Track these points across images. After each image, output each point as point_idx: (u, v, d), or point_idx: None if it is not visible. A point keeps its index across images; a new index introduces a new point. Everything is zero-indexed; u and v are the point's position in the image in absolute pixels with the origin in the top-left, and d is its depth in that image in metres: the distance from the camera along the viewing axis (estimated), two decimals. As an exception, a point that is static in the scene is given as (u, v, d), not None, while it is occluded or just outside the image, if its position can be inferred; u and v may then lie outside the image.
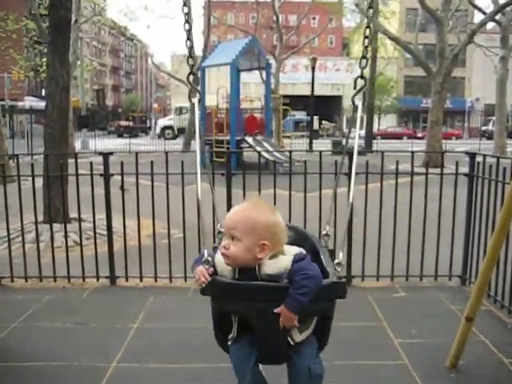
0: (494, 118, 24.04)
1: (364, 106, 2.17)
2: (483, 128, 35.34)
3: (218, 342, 2.10)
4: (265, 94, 19.16)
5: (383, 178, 4.79)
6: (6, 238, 4.92)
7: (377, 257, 4.73)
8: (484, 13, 19.48)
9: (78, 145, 24.67)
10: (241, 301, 1.82)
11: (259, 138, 17.20)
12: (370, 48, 2.25)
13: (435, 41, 17.67)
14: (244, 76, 20.80)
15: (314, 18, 59.01)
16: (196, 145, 2.27)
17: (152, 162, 4.71)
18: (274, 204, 4.24)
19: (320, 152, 4.92)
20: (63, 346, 3.58)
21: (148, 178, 4.80)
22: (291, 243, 1.94)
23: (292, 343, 1.92)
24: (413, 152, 4.94)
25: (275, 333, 1.83)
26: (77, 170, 4.86)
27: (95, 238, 4.92)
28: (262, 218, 1.81)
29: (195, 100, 2.23)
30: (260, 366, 2.06)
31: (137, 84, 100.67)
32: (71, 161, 5.28)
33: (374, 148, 25.43)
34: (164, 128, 41.47)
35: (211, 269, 1.84)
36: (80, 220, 5.02)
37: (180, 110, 40.89)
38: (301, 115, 44.71)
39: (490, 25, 25.32)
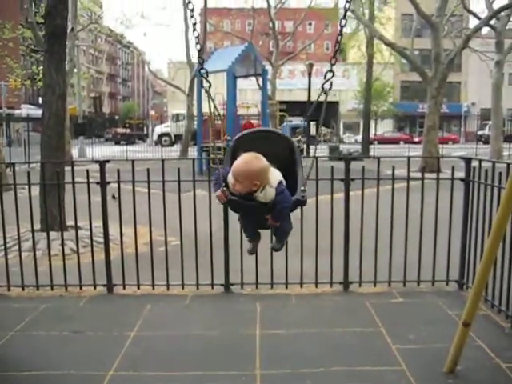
0: (490, 122, 24.09)
1: (329, 91, 2.70)
2: (479, 132, 35.39)
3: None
4: (261, 100, 19.19)
5: (380, 184, 4.80)
6: (3, 247, 4.90)
7: (374, 262, 4.73)
8: (479, 18, 19.60)
9: (75, 152, 24.67)
10: (245, 210, 2.69)
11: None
12: (339, 51, 2.73)
13: (431, 46, 17.75)
14: (241, 82, 20.82)
15: (310, 24, 59.20)
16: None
17: (148, 170, 4.71)
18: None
19: (316, 158, 4.91)
20: (60, 354, 3.57)
21: (145, 185, 4.81)
22: (271, 144, 2.70)
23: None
24: (409, 157, 4.95)
25: (263, 221, 2.64)
26: (73, 178, 4.85)
27: (92, 245, 4.91)
28: (253, 169, 2.47)
29: (206, 85, 2.80)
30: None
31: (134, 91, 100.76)
32: (68, 168, 5.28)
33: (371, 153, 25.45)
34: (161, 135, 41.47)
35: (227, 192, 2.54)
36: (77, 228, 5.01)
37: (177, 117, 40.91)
38: (297, 121, 44.79)
39: (485, 30, 25.45)
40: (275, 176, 2.56)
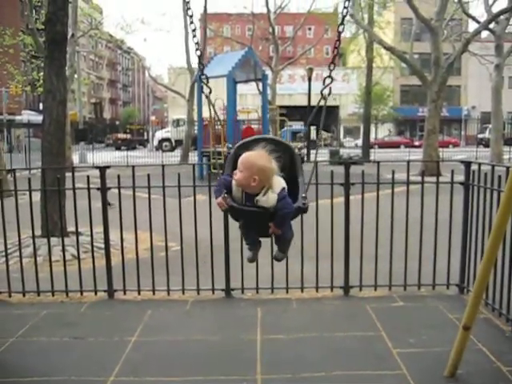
0: (490, 125, 24.11)
1: (328, 97, 2.77)
2: (480, 136, 35.41)
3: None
4: (262, 105, 19.22)
5: (380, 188, 4.81)
6: (4, 253, 4.91)
7: (374, 266, 4.74)
8: (478, 22, 19.62)
9: (75, 158, 24.70)
10: (246, 217, 2.68)
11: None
12: (337, 56, 2.84)
13: (430, 50, 17.79)
14: (241, 87, 20.87)
15: (309, 29, 59.38)
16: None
17: (149, 175, 4.72)
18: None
19: (316, 162, 4.92)
20: (61, 360, 3.57)
21: (145, 190, 4.82)
22: (275, 152, 2.64)
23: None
24: (408, 161, 4.96)
25: (265, 228, 2.64)
26: (74, 184, 4.87)
27: (93, 251, 4.92)
28: (258, 163, 2.51)
29: (207, 91, 2.86)
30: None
31: (134, 97, 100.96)
32: (68, 174, 5.29)
33: (372, 157, 25.46)
34: (162, 140, 41.54)
35: (228, 199, 2.57)
36: (78, 234, 5.02)
37: (177, 122, 40.97)
38: (298, 125, 44.84)
39: (485, 33, 25.52)
40: (279, 182, 2.59)
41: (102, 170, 4.85)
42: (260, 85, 20.71)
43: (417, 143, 41.80)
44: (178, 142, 35.90)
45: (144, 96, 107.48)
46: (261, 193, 2.54)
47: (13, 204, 4.75)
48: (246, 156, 2.59)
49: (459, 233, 4.76)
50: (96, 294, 4.88)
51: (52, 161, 6.70)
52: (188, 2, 2.85)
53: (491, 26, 19.36)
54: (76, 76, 26.14)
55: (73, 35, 20.48)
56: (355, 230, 4.74)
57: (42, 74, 11.59)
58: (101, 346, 3.81)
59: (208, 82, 2.85)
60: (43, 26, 7.45)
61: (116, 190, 4.83)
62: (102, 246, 5.07)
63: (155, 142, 41.77)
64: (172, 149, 38.61)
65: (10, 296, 4.87)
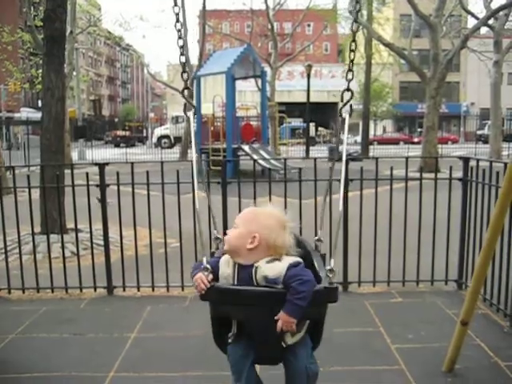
0: (489, 122, 24.11)
1: (350, 117, 2.24)
2: (479, 132, 35.43)
3: (216, 342, 2.23)
4: (260, 102, 19.22)
5: (378, 184, 4.82)
6: (3, 250, 4.92)
7: (373, 262, 4.75)
8: (477, 18, 19.61)
9: (74, 155, 24.69)
10: (239, 305, 1.95)
11: (256, 145, 17.25)
12: (354, 61, 2.39)
13: (429, 46, 17.78)
14: (240, 84, 20.87)
15: (308, 26, 59.25)
16: (193, 157, 2.29)
17: (148, 172, 4.73)
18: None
19: (315, 159, 4.94)
20: (61, 356, 3.58)
21: (144, 187, 4.82)
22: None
23: (284, 345, 2.05)
24: (407, 157, 4.97)
25: (272, 335, 1.94)
26: (73, 181, 4.87)
27: (92, 248, 4.93)
28: (262, 218, 1.99)
29: (190, 114, 2.30)
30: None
31: (133, 94, 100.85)
32: (68, 171, 5.30)
33: (371, 154, 25.47)
34: (160, 137, 41.51)
35: (210, 275, 1.96)
36: (77, 230, 5.04)
37: (176, 119, 40.94)
38: (297, 122, 44.84)
39: (483, 29, 25.46)
40: (292, 258, 2.01)
41: (101, 166, 4.85)
42: (259, 81, 20.71)
43: (416, 139, 41.81)
44: (177, 139, 35.88)
45: (143, 93, 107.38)
46: (263, 259, 1.98)
47: (12, 201, 4.76)
48: (247, 210, 2.09)
49: (457, 228, 4.77)
50: (95, 290, 4.90)
51: (51, 158, 6.71)
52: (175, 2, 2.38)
53: (490, 22, 19.35)
54: (75, 73, 26.11)
55: (71, 32, 20.45)
56: (354, 227, 4.75)
57: (40, 71, 11.59)
58: (100, 342, 3.82)
59: (193, 98, 2.44)
60: (42, 23, 7.44)
61: (115, 187, 4.84)
62: (102, 242, 5.09)
63: (154, 139, 41.75)
64: (171, 146, 38.61)
65: (9, 293, 4.88)
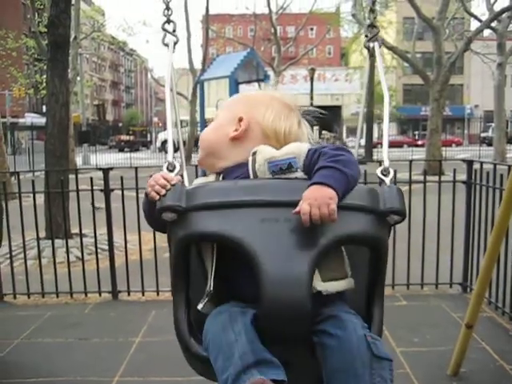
0: (493, 124, 24.06)
1: (380, 52, 1.76)
2: (483, 134, 35.35)
3: (179, 333, 1.39)
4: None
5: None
6: (9, 255, 4.94)
7: (377, 266, 4.73)
8: (480, 20, 19.60)
9: (79, 160, 24.75)
10: (228, 214, 1.17)
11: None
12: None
13: (432, 49, 17.78)
14: (243, 88, 20.90)
15: (311, 29, 59.40)
16: (167, 113, 1.76)
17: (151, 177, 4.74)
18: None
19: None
20: (66, 361, 3.59)
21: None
22: None
23: (314, 292, 1.22)
24: (411, 160, 4.97)
25: (292, 273, 1.13)
26: (77, 186, 4.89)
27: (97, 253, 4.94)
28: (258, 95, 1.39)
29: (170, 42, 1.68)
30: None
31: (137, 98, 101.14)
32: (72, 176, 5.32)
33: (375, 157, 25.44)
34: (164, 142, 41.45)
35: (178, 177, 1.30)
36: (81, 235, 5.05)
37: (180, 124, 40.99)
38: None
39: (487, 32, 25.43)
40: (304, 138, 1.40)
41: (106, 171, 4.87)
42: (262, 85, 20.75)
43: (420, 142, 41.74)
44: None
45: (147, 97, 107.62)
46: (264, 146, 1.32)
47: (17, 206, 4.78)
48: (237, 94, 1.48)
49: (462, 231, 4.76)
50: (100, 295, 4.91)
51: (55, 163, 6.73)
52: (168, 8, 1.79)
53: (493, 24, 19.32)
54: (79, 78, 26.19)
55: (75, 38, 20.53)
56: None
57: (44, 76, 11.64)
58: (105, 346, 3.83)
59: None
60: (46, 29, 7.48)
61: (119, 192, 4.85)
62: (106, 247, 5.10)
63: (158, 144, 41.77)
64: (175, 150, 38.57)
65: (14, 298, 4.89)
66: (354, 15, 20.13)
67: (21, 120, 36.77)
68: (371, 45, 1.68)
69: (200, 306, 1.29)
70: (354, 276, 1.39)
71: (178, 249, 1.29)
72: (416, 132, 50.62)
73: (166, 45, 1.66)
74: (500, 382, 3.21)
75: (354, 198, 1.27)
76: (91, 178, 4.78)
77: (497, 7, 19.88)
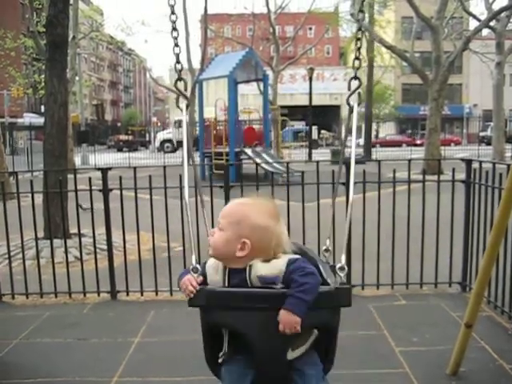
0: (492, 123, 24.07)
1: (358, 107, 2.12)
2: (482, 134, 35.40)
3: (209, 365, 1.95)
4: (263, 105, 19.23)
5: (382, 187, 4.81)
6: (7, 255, 4.93)
7: (376, 265, 4.74)
8: (478, 20, 19.59)
9: (77, 160, 24.74)
10: (233, 311, 1.72)
11: (258, 149, 17.26)
12: (361, 50, 2.24)
13: (431, 48, 17.78)
14: (242, 87, 20.88)
15: (310, 29, 59.35)
16: (183, 153, 2.25)
17: (150, 176, 4.74)
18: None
19: (317, 162, 4.94)
20: (65, 361, 3.58)
21: (147, 192, 4.83)
22: None
23: (288, 360, 1.78)
24: (410, 160, 4.96)
25: (274, 348, 1.71)
26: (76, 186, 4.89)
27: (95, 253, 4.94)
28: (253, 216, 1.70)
29: (183, 106, 2.10)
30: None
31: (135, 98, 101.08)
32: (71, 176, 5.31)
33: (374, 156, 25.45)
34: (163, 141, 41.56)
35: (200, 277, 1.77)
36: (80, 235, 5.04)
37: (179, 123, 40.86)
38: (300, 125, 44.85)
39: (485, 31, 25.45)
40: (288, 254, 1.77)
41: (104, 171, 4.86)
42: (261, 85, 20.72)
43: (419, 142, 41.77)
44: (180, 143, 35.91)
45: (145, 97, 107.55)
46: (257, 260, 1.73)
47: (15, 206, 4.77)
48: (234, 206, 1.80)
49: (461, 231, 4.76)
50: (99, 295, 4.90)
51: (54, 163, 6.72)
52: (173, 6, 2.14)
53: (492, 23, 19.33)
54: (77, 78, 26.16)
55: (74, 37, 20.51)
56: (357, 229, 4.73)
57: (43, 76, 11.62)
58: (104, 346, 3.82)
59: (186, 89, 2.15)
60: (44, 29, 7.47)
61: (118, 192, 4.84)
62: (105, 247, 5.09)
63: (157, 144, 41.80)
64: (174, 150, 38.65)
65: (13, 298, 4.88)
66: (352, 14, 20.12)
67: (19, 120, 36.71)
68: (351, 103, 2.05)
69: (220, 360, 1.87)
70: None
71: (204, 329, 1.91)
72: (409, 131, 50.69)
73: (180, 107, 2.13)
74: (499, 381, 3.20)
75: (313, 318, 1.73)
76: (90, 178, 4.77)
77: (495, 6, 19.93)
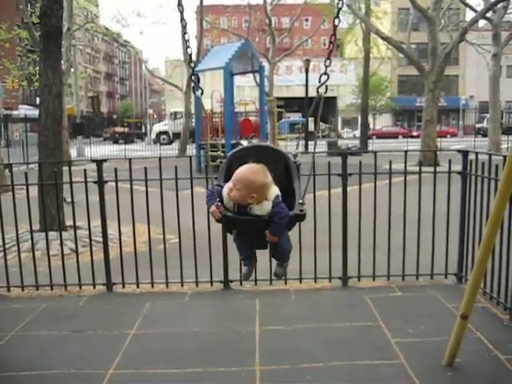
0: (488, 115, 24.07)
1: (324, 94, 2.78)
2: (478, 125, 35.40)
3: (228, 232, 3.01)
4: (259, 97, 19.17)
5: (378, 178, 4.81)
6: (2, 248, 4.91)
7: (372, 257, 4.74)
8: (475, 11, 19.55)
9: (73, 152, 24.66)
10: (240, 226, 2.64)
11: (254, 141, 17.21)
12: (333, 49, 2.72)
13: (427, 40, 17.73)
14: (238, 79, 20.81)
15: (306, 20, 59.13)
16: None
17: (146, 168, 4.72)
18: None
19: (313, 153, 4.92)
20: (60, 354, 3.58)
21: (143, 183, 4.81)
22: (268, 161, 2.57)
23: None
24: (406, 151, 4.96)
25: (259, 237, 2.56)
26: (71, 178, 4.86)
27: (91, 245, 4.92)
28: (257, 181, 2.44)
29: (198, 93, 2.74)
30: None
31: (131, 90, 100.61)
32: (66, 168, 5.28)
33: (370, 148, 25.45)
34: (159, 133, 41.43)
35: (221, 207, 2.49)
36: (75, 227, 5.02)
37: (175, 115, 40.87)
38: (296, 117, 44.78)
39: (482, 22, 25.42)
40: (273, 190, 2.51)
41: (99, 163, 4.84)
42: (257, 76, 20.65)
43: (415, 133, 41.77)
44: (176, 135, 35.82)
45: (141, 89, 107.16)
46: (254, 203, 2.48)
47: (10, 199, 4.75)
48: (242, 173, 2.48)
49: (457, 222, 4.76)
50: (95, 287, 4.89)
51: (49, 155, 6.69)
52: (182, 13, 2.77)
53: (488, 14, 19.28)
54: (73, 70, 26.02)
55: (68, 29, 20.39)
56: (353, 221, 4.74)
57: (38, 68, 11.55)
58: (100, 339, 3.81)
59: (199, 81, 2.72)
60: (38, 20, 7.40)
61: (113, 184, 4.82)
62: (100, 239, 5.08)
63: (153, 135, 41.63)
64: (170, 142, 38.54)
65: (8, 290, 4.87)
66: (349, 6, 20.00)
67: (14, 112, 36.51)
68: (320, 90, 2.81)
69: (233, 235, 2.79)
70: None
71: (223, 230, 3.12)
72: (399, 123, 50.67)
73: (197, 96, 2.76)
74: (495, 371, 3.22)
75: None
76: (85, 170, 4.75)
77: (492, -3, 19.83)
